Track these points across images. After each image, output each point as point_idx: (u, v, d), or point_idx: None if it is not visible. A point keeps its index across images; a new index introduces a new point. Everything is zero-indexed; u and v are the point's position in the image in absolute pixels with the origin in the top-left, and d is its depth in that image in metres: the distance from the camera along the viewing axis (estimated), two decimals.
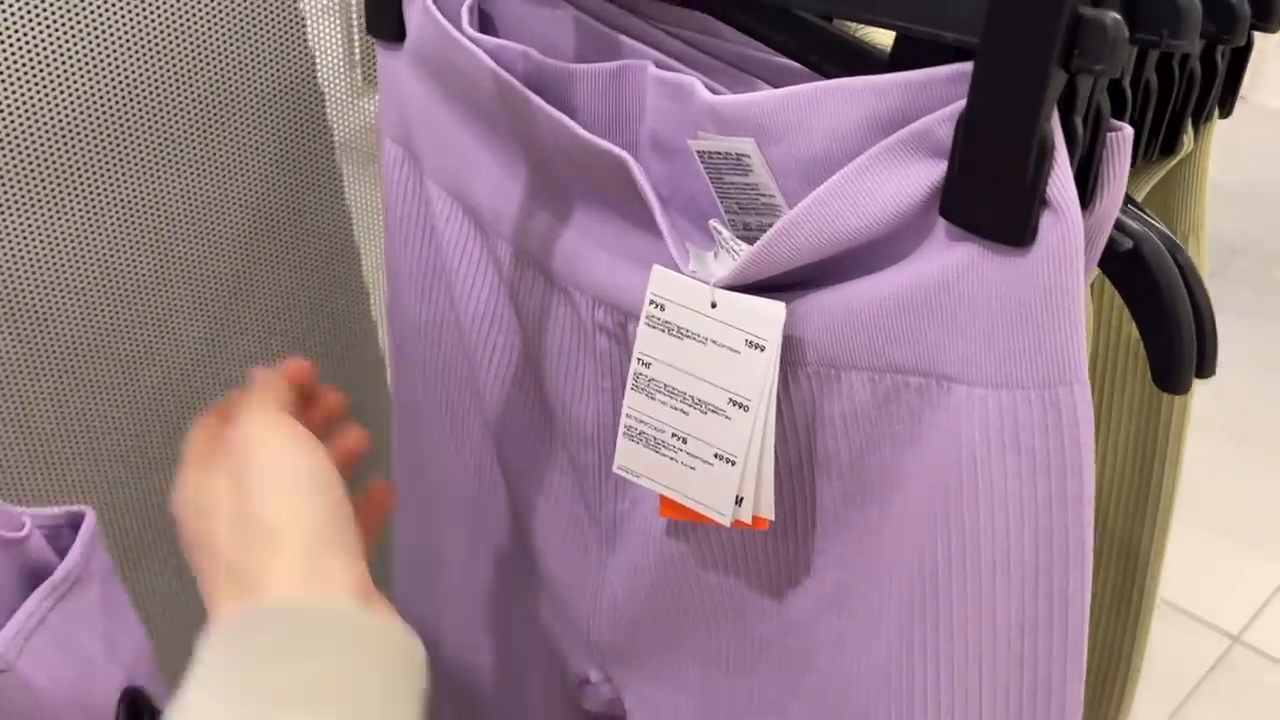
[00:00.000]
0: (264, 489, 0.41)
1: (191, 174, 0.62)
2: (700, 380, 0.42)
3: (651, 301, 0.42)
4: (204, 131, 0.62)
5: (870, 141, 0.38)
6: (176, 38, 0.58)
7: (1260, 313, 2.14)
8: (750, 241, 0.41)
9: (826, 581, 0.47)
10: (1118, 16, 0.34)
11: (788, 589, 0.48)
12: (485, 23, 0.51)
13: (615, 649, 0.57)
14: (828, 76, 0.42)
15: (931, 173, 0.37)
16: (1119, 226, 0.39)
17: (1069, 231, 0.35)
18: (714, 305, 0.41)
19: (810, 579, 0.47)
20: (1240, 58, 0.51)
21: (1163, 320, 0.40)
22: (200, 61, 0.60)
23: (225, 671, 0.37)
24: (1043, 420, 0.38)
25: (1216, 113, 0.53)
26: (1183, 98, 0.49)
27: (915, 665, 0.44)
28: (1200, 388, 0.46)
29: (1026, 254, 0.36)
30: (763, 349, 0.40)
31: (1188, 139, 0.51)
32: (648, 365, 0.43)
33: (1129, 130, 0.37)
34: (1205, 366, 0.41)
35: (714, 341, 0.41)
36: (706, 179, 0.43)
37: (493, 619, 0.65)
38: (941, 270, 0.38)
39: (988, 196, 0.36)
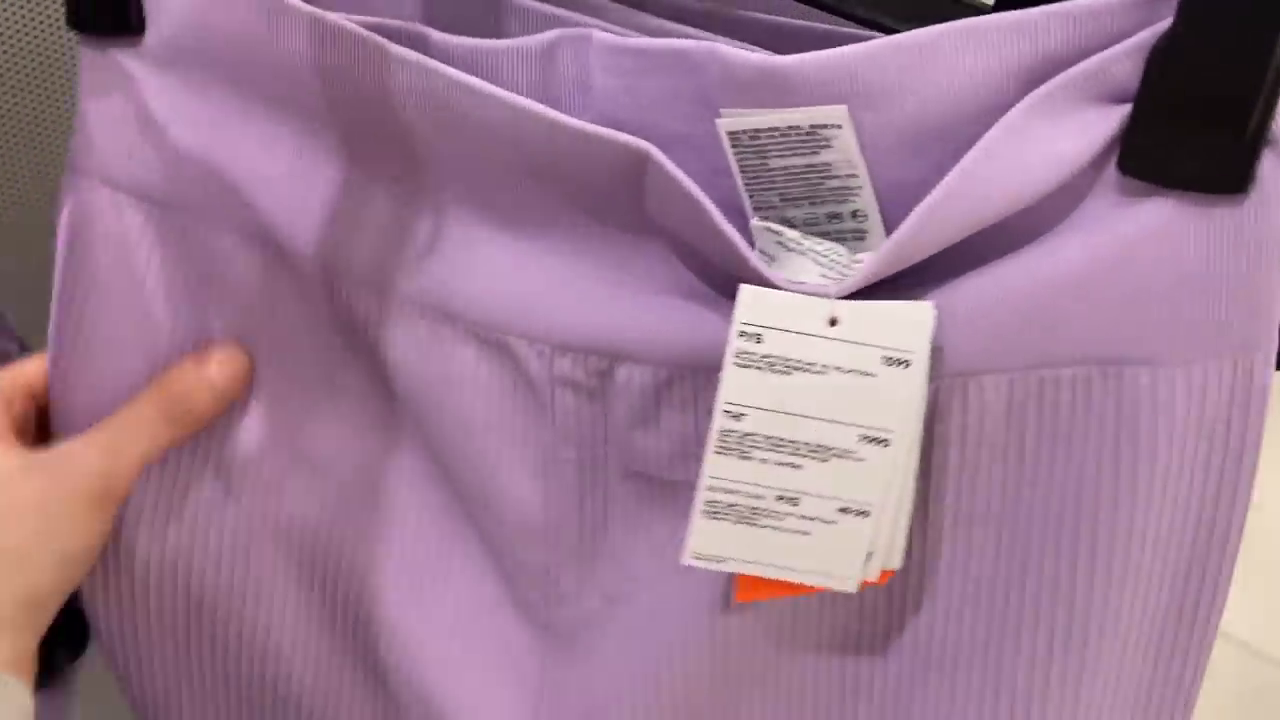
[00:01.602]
0: None
1: None
2: (818, 420, 0.34)
3: (742, 333, 0.33)
4: None
5: (1009, 95, 0.32)
6: None
7: None
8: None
9: (934, 624, 0.39)
10: None
11: (890, 639, 0.40)
12: None
13: None
14: (885, 31, 0.34)
15: (1107, 122, 0.31)
16: None
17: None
18: (833, 323, 0.32)
19: (914, 622, 0.40)
20: None
21: None
22: None
23: None
24: (1230, 394, 0.34)
25: None
26: None
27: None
28: None
29: (1240, 203, 0.31)
30: (907, 364, 0.33)
31: None
32: (739, 418, 0.34)
33: None
34: None
35: (837, 368, 0.33)
36: (734, 166, 0.35)
37: None
38: (1122, 237, 0.32)
39: (1194, 141, 0.31)
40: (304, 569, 0.44)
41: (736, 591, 0.38)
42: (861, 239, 0.35)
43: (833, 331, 0.33)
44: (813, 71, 0.33)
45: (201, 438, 0.42)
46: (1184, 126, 0.31)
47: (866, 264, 0.32)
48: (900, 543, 0.35)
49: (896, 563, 0.36)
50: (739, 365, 0.33)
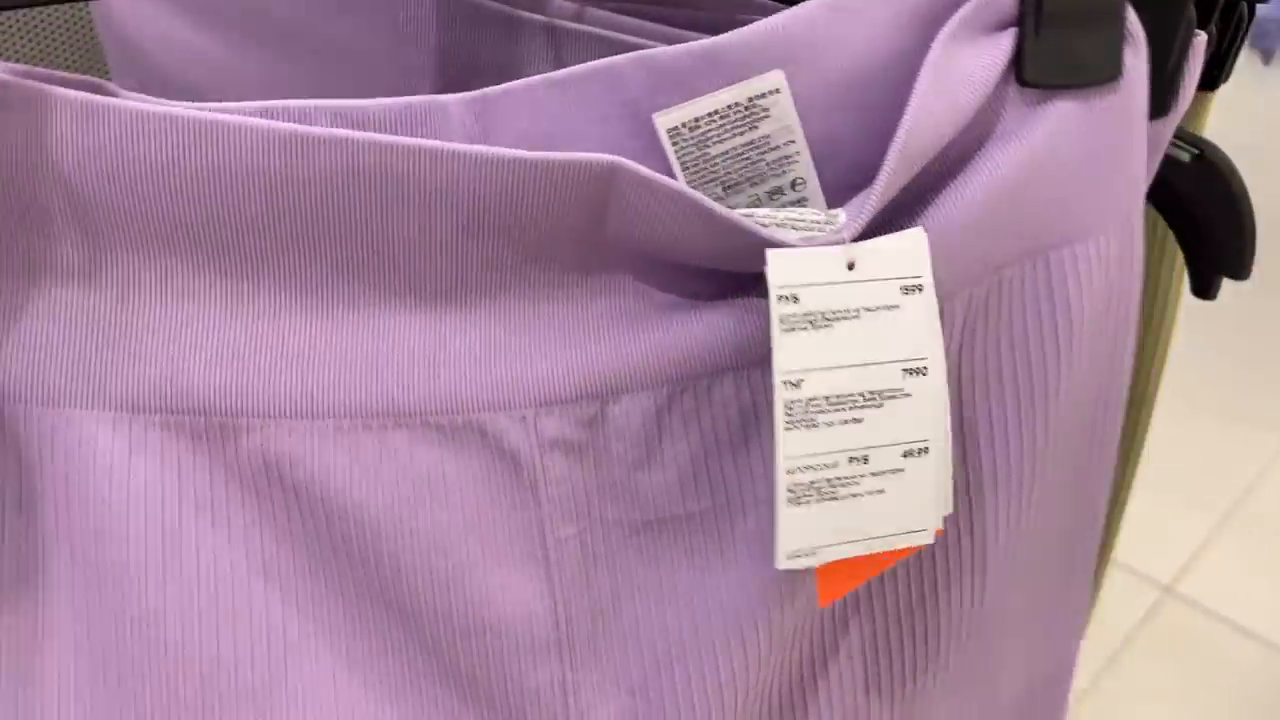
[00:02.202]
0: None
1: None
2: (867, 366, 0.36)
3: (780, 297, 0.35)
4: None
5: (910, 40, 0.37)
6: None
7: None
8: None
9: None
10: None
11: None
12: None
13: None
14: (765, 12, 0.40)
15: (1000, 46, 0.38)
16: (1177, 134, 0.44)
17: (1140, 57, 0.39)
18: (852, 266, 0.36)
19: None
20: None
21: (1233, 217, 0.45)
22: None
23: None
24: (1120, 256, 0.41)
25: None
26: (1232, 36, 0.51)
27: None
28: None
29: (1115, 90, 0.39)
30: (920, 288, 0.36)
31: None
32: (799, 384, 0.35)
33: (1204, 36, 0.41)
34: (1245, 268, 0.47)
35: (866, 308, 0.36)
36: (675, 164, 0.37)
37: None
38: (1033, 140, 0.38)
39: (1076, 45, 0.38)
40: None
41: (821, 595, 0.37)
42: (803, 205, 0.38)
43: (854, 275, 0.36)
44: (747, 40, 0.36)
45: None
46: (1061, 35, 0.38)
47: (869, 204, 0.35)
48: (949, 481, 0.38)
49: (949, 505, 0.38)
50: (786, 330, 0.35)
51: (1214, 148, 0.48)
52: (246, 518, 0.36)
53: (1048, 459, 0.42)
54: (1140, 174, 0.41)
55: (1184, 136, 0.48)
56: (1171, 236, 0.53)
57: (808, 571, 0.37)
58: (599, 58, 0.37)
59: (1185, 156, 0.48)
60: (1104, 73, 0.38)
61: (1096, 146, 0.39)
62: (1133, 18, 0.39)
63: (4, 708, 0.35)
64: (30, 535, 0.35)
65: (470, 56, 0.46)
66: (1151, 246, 0.57)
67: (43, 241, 0.33)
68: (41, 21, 0.63)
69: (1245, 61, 0.54)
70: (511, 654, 0.37)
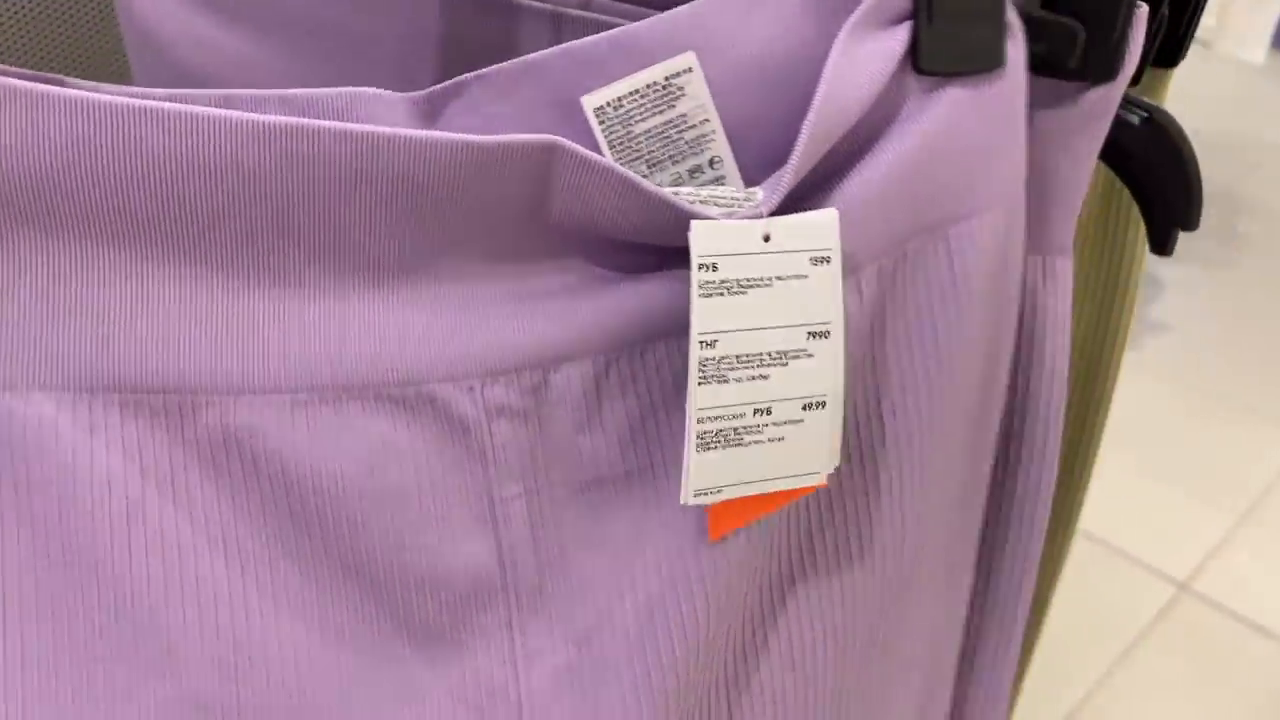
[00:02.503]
0: None
1: None
2: (773, 329, 0.40)
3: (701, 265, 0.39)
4: None
5: (812, 29, 0.41)
6: None
7: (1224, 263, 2.08)
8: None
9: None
10: None
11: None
12: None
13: None
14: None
15: (897, 38, 0.42)
16: (1127, 100, 0.48)
17: (1020, 48, 0.43)
18: (767, 239, 0.41)
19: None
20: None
21: (1181, 174, 0.50)
22: None
23: None
24: (1007, 226, 0.45)
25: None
26: (1191, 14, 0.55)
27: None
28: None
29: (1001, 78, 0.43)
30: (828, 260, 0.41)
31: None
32: (713, 344, 0.40)
33: (1145, 8, 0.45)
34: (1194, 219, 0.51)
35: (778, 277, 0.40)
36: (603, 143, 0.41)
37: None
38: (928, 123, 0.42)
39: (963, 37, 0.42)
40: None
41: (711, 530, 0.41)
42: (722, 183, 0.42)
43: (769, 246, 0.40)
44: (660, 27, 0.40)
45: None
46: (950, 28, 0.42)
47: (784, 181, 0.39)
48: (840, 434, 0.42)
49: (839, 458, 0.42)
50: (704, 295, 0.39)
51: (1162, 112, 0.52)
52: (206, 492, 0.38)
53: (950, 414, 0.46)
54: (1021, 156, 0.45)
55: (1134, 101, 0.52)
56: (1136, 207, 0.58)
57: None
58: None
59: (1135, 119, 0.52)
60: (989, 61, 0.43)
61: (985, 129, 0.43)
62: (1013, 12, 0.43)
63: None
64: None
65: (479, 45, 0.49)
66: (1115, 215, 0.62)
67: None
68: (39, 17, 0.64)
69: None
70: (462, 605, 0.41)
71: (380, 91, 0.41)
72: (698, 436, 0.40)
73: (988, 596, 0.57)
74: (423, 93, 0.41)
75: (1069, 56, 0.45)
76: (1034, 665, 1.45)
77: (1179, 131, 0.52)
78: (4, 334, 0.35)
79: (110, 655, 0.37)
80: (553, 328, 0.40)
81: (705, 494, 0.40)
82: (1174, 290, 2.16)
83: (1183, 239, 0.54)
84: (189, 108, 0.34)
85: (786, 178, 0.40)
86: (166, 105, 0.34)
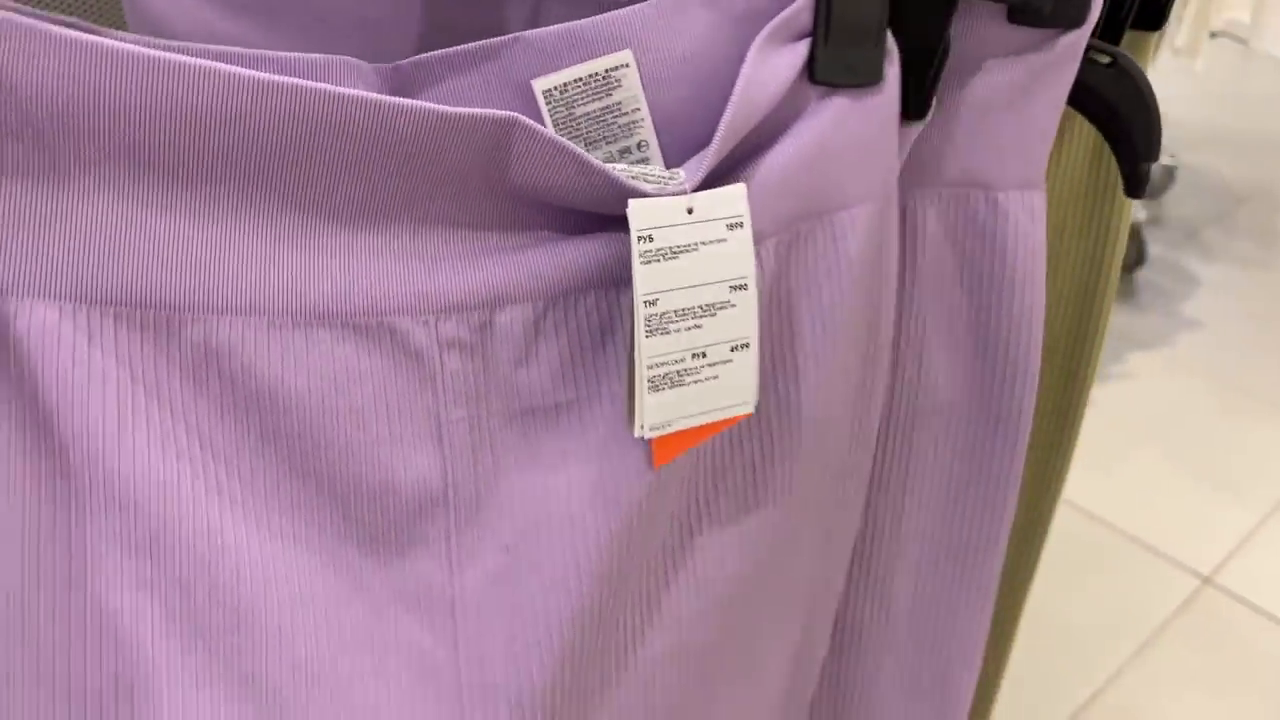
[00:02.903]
0: None
1: None
2: (703, 285, 0.48)
3: (640, 238, 0.47)
4: None
5: (732, 35, 0.48)
6: None
7: (1262, 263, 2.10)
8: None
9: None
10: None
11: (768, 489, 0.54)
12: None
13: None
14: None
15: (798, 52, 0.49)
16: (1093, 48, 0.56)
17: (895, 67, 0.51)
18: (691, 211, 0.49)
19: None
20: None
21: (1144, 115, 0.58)
22: None
23: None
24: (881, 215, 0.53)
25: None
26: None
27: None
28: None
29: (879, 92, 0.51)
30: (741, 225, 0.49)
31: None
32: (655, 302, 0.47)
33: None
34: (1155, 151, 0.59)
35: (702, 242, 0.49)
36: (548, 120, 0.48)
37: None
38: (820, 124, 0.50)
39: (851, 56, 0.50)
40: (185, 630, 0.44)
41: (655, 458, 0.49)
42: (646, 164, 0.50)
43: (692, 218, 0.48)
44: (603, 25, 0.46)
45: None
46: (842, 48, 0.49)
47: (703, 165, 0.47)
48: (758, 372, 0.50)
49: (758, 393, 0.50)
50: (644, 262, 0.47)
51: (1125, 56, 0.59)
52: (186, 398, 0.43)
53: (834, 379, 0.54)
54: (894, 157, 0.53)
55: (1099, 47, 0.60)
56: (1118, 185, 0.67)
57: (648, 452, 0.49)
58: None
59: (1104, 60, 0.60)
60: (871, 77, 0.50)
61: (865, 132, 0.51)
62: (891, 39, 0.51)
63: None
64: None
65: (465, 22, 0.53)
66: (1105, 168, 0.71)
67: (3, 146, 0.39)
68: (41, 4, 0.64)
69: None
70: (408, 512, 0.47)
71: (354, 60, 0.46)
72: (649, 381, 0.48)
73: (963, 534, 0.65)
74: (390, 65, 0.47)
75: (1044, 6, 0.53)
76: (1051, 652, 1.50)
77: (1140, 73, 0.60)
78: (14, 248, 0.40)
79: (99, 536, 0.42)
80: (499, 274, 0.46)
81: (658, 429, 0.48)
82: (1209, 289, 2.23)
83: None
84: (195, 60, 0.39)
85: (707, 160, 0.47)
86: (175, 56, 0.39)
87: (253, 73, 0.40)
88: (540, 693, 0.49)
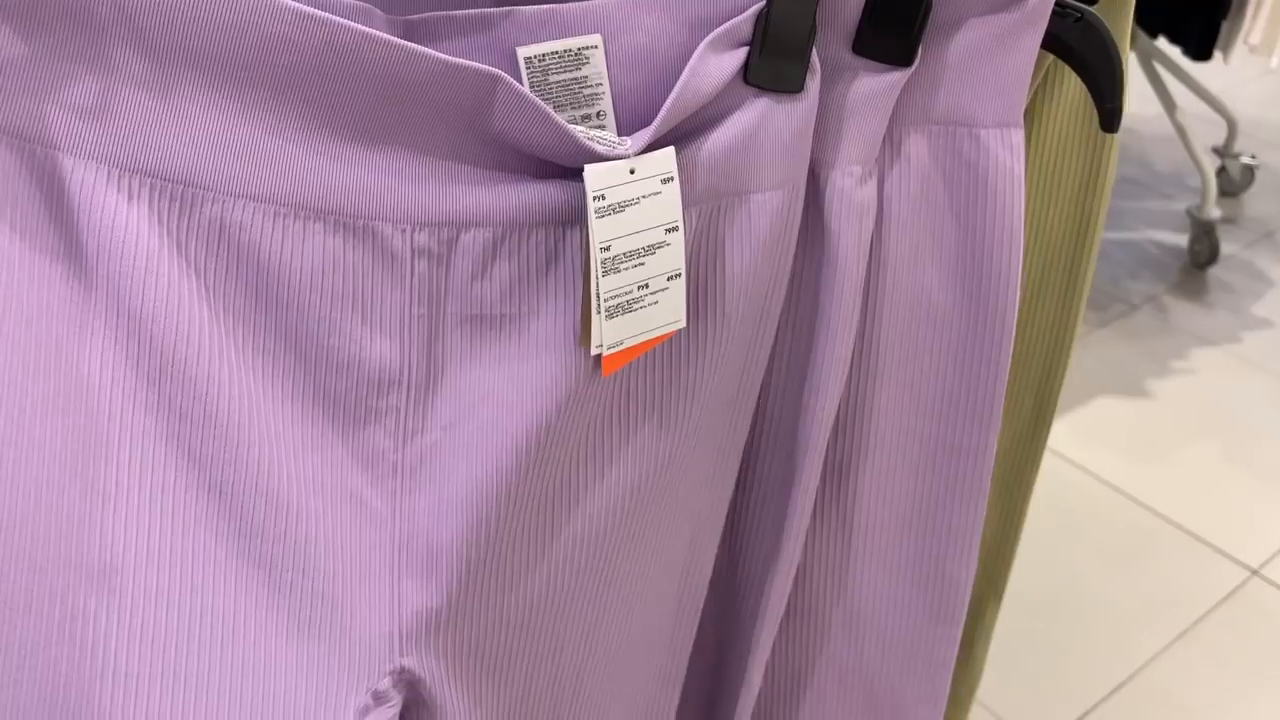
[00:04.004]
0: None
1: None
2: (645, 230, 0.60)
3: (595, 197, 0.58)
4: None
5: (684, 36, 0.59)
6: None
7: None
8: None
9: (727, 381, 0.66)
10: None
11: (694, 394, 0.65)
12: None
13: (432, 616, 0.61)
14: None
15: (737, 57, 0.60)
16: (1062, 4, 0.66)
17: (816, 83, 0.62)
18: (633, 172, 0.61)
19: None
20: None
21: (1108, 63, 0.68)
22: None
23: None
24: (791, 201, 0.65)
25: None
26: None
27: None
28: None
29: (802, 99, 0.62)
30: (671, 179, 0.60)
31: None
32: (608, 248, 0.59)
33: None
34: (1118, 96, 0.69)
35: (643, 196, 0.60)
36: (526, 83, 0.59)
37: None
38: (748, 117, 0.61)
39: (778, 65, 0.61)
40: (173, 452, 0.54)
41: (605, 368, 0.60)
42: (604, 129, 0.61)
43: (633, 177, 0.59)
44: (580, 13, 0.57)
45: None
46: (773, 58, 0.59)
47: (645, 136, 0.58)
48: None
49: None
50: (599, 217, 0.59)
51: (1091, 12, 0.68)
52: (202, 261, 0.53)
53: (729, 332, 0.65)
54: (806, 156, 0.64)
55: (1067, 5, 0.69)
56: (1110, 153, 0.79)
57: (582, 356, 0.59)
58: None
59: (1070, 19, 0.68)
60: (795, 86, 0.61)
61: (784, 130, 0.62)
62: (815, 56, 0.61)
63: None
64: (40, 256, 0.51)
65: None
66: (1101, 149, 0.82)
67: (87, 34, 0.49)
68: None
69: None
70: (368, 386, 0.57)
71: (375, 8, 0.57)
72: (605, 311, 0.60)
73: (957, 435, 0.75)
74: (401, 18, 0.58)
75: None
76: (1096, 631, 1.57)
77: (1104, 27, 0.69)
78: (66, 117, 0.50)
79: (122, 362, 0.52)
80: (468, 201, 0.56)
81: (614, 347, 0.61)
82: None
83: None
84: None
85: (648, 134, 0.59)
86: None
87: (295, 4, 0.50)
88: (459, 546, 0.60)
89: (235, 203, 0.53)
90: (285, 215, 0.54)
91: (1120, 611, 1.64)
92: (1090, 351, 2.15)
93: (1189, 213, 2.45)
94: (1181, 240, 2.48)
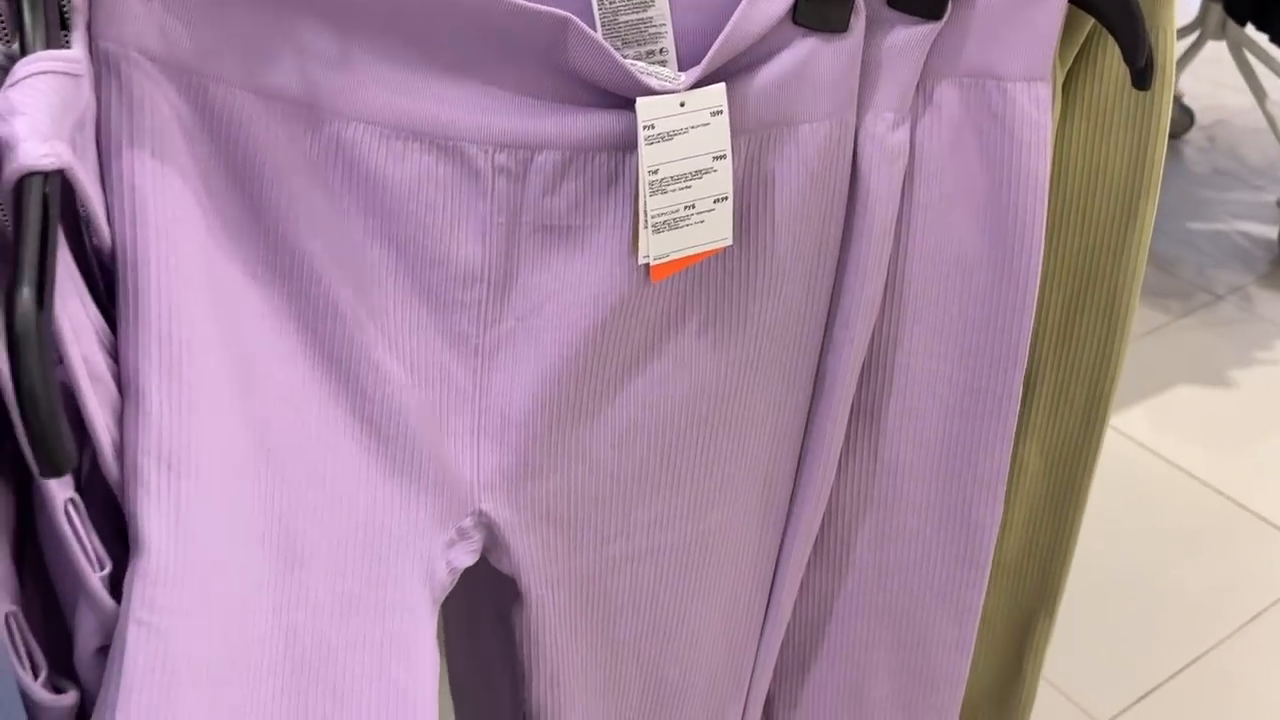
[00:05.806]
0: None
1: None
2: (693, 157, 0.68)
3: (645, 126, 0.67)
4: None
5: None
6: None
7: None
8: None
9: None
10: None
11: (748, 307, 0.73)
12: None
13: (506, 472, 0.71)
14: None
15: (787, 1, 0.67)
16: None
17: (862, 22, 0.68)
18: (683, 105, 0.68)
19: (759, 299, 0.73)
20: None
21: (1130, 20, 0.72)
22: None
23: None
24: (841, 133, 0.71)
25: None
26: None
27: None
28: None
29: (847, 37, 0.68)
30: (722, 111, 0.68)
31: None
32: (656, 171, 0.67)
33: None
34: (1140, 55, 0.73)
35: (692, 127, 0.68)
36: (599, 22, 0.67)
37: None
38: (797, 55, 0.68)
39: (825, 8, 0.67)
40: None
41: (654, 275, 0.68)
42: (664, 65, 0.69)
43: (683, 110, 0.68)
44: None
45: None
46: (819, 1, 0.66)
47: (696, 73, 0.65)
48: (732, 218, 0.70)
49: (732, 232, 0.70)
50: (649, 143, 0.67)
51: None
52: (317, 171, 0.63)
53: (785, 260, 0.73)
54: (853, 91, 0.70)
55: None
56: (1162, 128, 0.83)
57: (633, 264, 0.68)
58: None
59: None
60: (840, 26, 0.68)
61: (830, 67, 0.69)
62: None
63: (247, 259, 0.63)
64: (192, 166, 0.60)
65: None
66: (1148, 127, 0.85)
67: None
68: None
69: None
70: (456, 281, 0.67)
71: None
72: (652, 226, 0.68)
73: (983, 379, 0.80)
74: None
75: None
76: (1163, 613, 1.60)
77: None
78: (214, 47, 0.59)
79: (216, 246, 0.62)
80: (542, 127, 0.65)
81: (660, 258, 0.68)
82: None
83: None
84: None
85: (699, 70, 0.66)
86: None
87: None
88: (527, 416, 0.71)
89: (347, 124, 0.63)
90: (388, 136, 0.63)
91: (1191, 594, 1.66)
92: (1170, 339, 2.16)
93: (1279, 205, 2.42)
94: (1271, 232, 2.47)
